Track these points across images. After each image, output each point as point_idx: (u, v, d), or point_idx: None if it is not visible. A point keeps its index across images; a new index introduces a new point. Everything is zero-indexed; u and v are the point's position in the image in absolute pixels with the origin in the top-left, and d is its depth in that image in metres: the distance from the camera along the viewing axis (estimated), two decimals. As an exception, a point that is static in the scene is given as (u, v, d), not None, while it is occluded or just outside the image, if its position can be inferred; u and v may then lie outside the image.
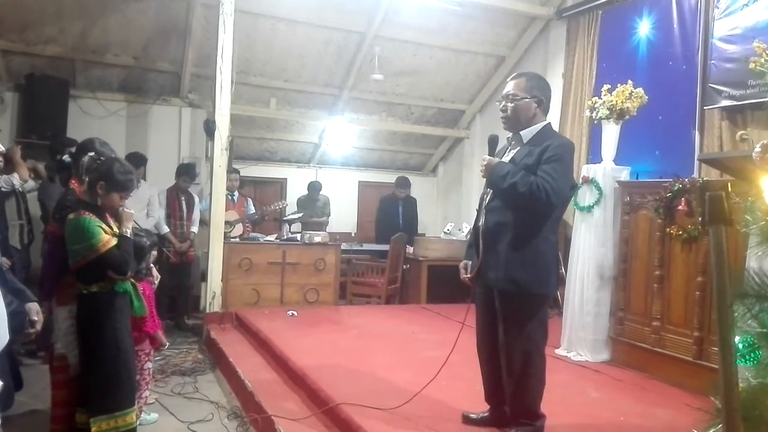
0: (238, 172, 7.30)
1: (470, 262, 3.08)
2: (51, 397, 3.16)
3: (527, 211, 2.83)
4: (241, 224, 6.87)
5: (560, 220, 3.05)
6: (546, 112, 3.04)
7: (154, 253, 3.69)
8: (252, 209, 7.22)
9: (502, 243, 2.87)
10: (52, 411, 3.13)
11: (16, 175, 4.80)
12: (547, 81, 3.13)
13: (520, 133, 2.99)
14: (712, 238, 1.22)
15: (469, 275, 3.08)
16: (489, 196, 2.99)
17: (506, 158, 3.00)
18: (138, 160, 5.95)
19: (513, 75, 3.09)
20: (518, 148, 2.99)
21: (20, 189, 4.85)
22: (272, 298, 6.43)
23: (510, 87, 3.00)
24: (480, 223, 3.02)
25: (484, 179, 2.97)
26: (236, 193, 7.11)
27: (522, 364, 2.88)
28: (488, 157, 2.96)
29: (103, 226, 2.88)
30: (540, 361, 2.94)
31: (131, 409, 2.96)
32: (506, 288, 2.87)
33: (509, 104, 2.98)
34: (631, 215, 4.51)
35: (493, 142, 3.06)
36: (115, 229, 2.97)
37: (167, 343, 3.89)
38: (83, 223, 2.83)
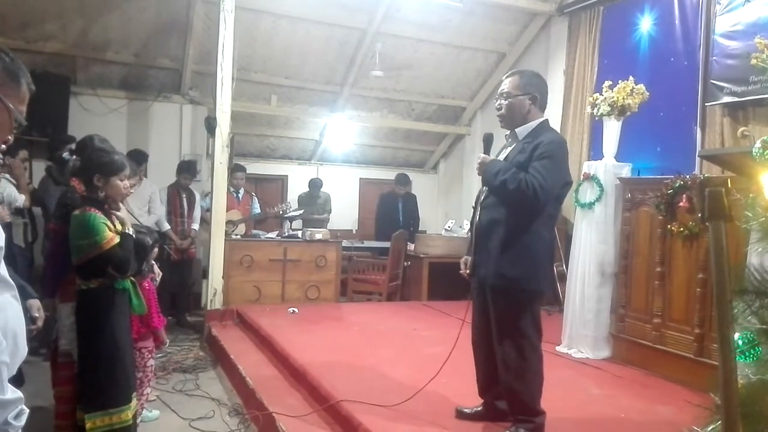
0: (244, 170, 7.22)
1: (470, 258, 3.12)
2: (55, 393, 3.16)
3: (518, 207, 2.86)
4: (244, 224, 6.85)
5: (555, 217, 3.06)
6: (542, 108, 3.05)
7: (155, 250, 3.69)
8: (257, 207, 7.18)
9: (495, 239, 2.91)
10: (57, 407, 3.12)
11: (23, 196, 4.87)
12: (543, 78, 3.14)
13: (516, 130, 3.02)
14: (711, 234, 1.22)
15: (467, 271, 3.12)
16: (484, 194, 3.05)
17: (503, 156, 3.04)
18: (139, 157, 5.94)
19: (508, 73, 3.13)
20: (514, 145, 3.03)
21: (21, 206, 4.89)
22: (273, 295, 6.43)
23: (505, 85, 3.04)
24: (475, 220, 3.08)
25: (479, 177, 3.03)
26: (241, 191, 7.09)
27: (516, 360, 2.91)
28: (483, 155, 3.02)
29: (108, 223, 2.88)
30: (535, 356, 2.96)
31: (126, 406, 2.94)
32: (496, 283, 2.91)
33: (503, 102, 3.01)
34: (632, 212, 4.51)
35: (487, 140, 3.10)
36: (119, 227, 2.96)
37: (168, 341, 3.89)
38: (89, 219, 2.82)
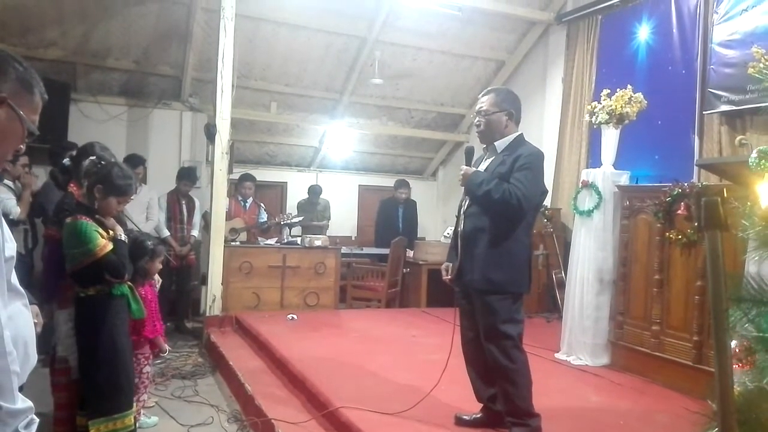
0: (254, 180, 7.18)
1: (451, 264, 3.24)
2: (53, 399, 3.16)
3: (501, 215, 3.00)
4: (246, 232, 6.84)
5: (533, 224, 3.24)
6: (517, 123, 3.21)
7: (160, 259, 3.68)
8: (264, 216, 7.17)
9: (479, 246, 3.04)
10: (55, 414, 3.13)
11: (18, 209, 4.84)
12: (516, 94, 3.29)
13: (495, 143, 3.17)
14: (707, 243, 1.23)
15: (450, 277, 3.23)
16: (467, 203, 3.18)
17: (482, 167, 3.19)
18: (136, 160, 5.94)
19: (484, 92, 3.26)
20: (493, 157, 3.18)
21: (15, 219, 4.85)
22: (272, 302, 6.43)
23: (482, 103, 3.19)
24: (459, 228, 3.20)
25: (462, 187, 3.16)
26: (249, 200, 7.08)
27: (505, 362, 2.98)
28: (465, 167, 3.17)
29: (100, 230, 2.89)
30: (520, 355, 3.04)
31: (129, 411, 2.96)
32: (482, 287, 3.02)
33: (482, 119, 3.16)
34: (630, 219, 4.52)
35: (469, 153, 3.26)
36: (111, 233, 2.97)
37: (168, 349, 3.88)
38: (80, 227, 2.83)
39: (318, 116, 8.51)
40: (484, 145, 3.26)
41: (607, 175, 4.68)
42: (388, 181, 9.14)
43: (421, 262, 7.18)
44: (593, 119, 4.72)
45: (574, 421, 3.40)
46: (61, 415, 3.10)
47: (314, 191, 8.35)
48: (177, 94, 7.74)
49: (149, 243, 3.51)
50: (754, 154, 1.46)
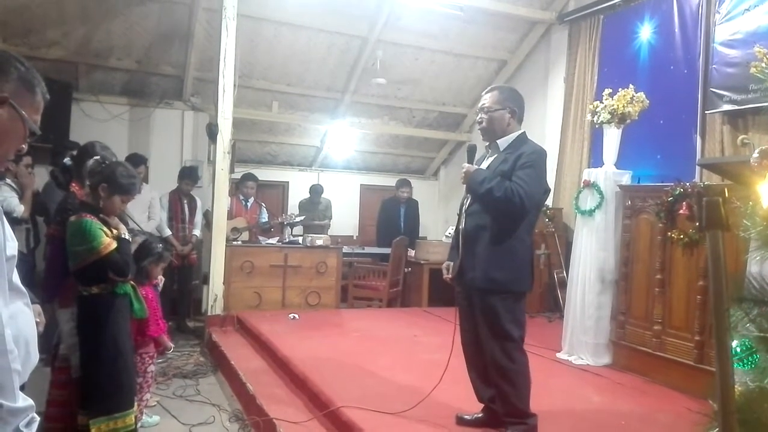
0: (256, 180, 7.19)
1: (452, 263, 3.23)
2: (48, 396, 3.14)
3: (503, 214, 2.99)
4: (248, 231, 6.85)
5: (535, 223, 3.23)
6: (520, 121, 3.21)
7: (163, 262, 3.69)
8: (265, 216, 7.18)
9: (481, 244, 3.03)
10: (47, 409, 3.10)
11: (22, 207, 4.85)
12: (520, 92, 3.29)
13: (497, 141, 3.17)
14: (708, 243, 1.23)
15: (450, 275, 3.22)
16: (468, 201, 3.17)
17: (484, 165, 3.18)
18: (138, 160, 5.94)
19: (488, 89, 3.27)
20: (495, 155, 3.17)
21: (19, 217, 4.86)
22: (274, 301, 6.44)
23: (485, 100, 3.19)
24: (461, 227, 3.19)
25: (464, 186, 3.16)
26: (251, 200, 7.09)
27: (504, 362, 2.98)
28: (467, 165, 3.16)
29: (104, 229, 2.90)
30: (521, 356, 3.03)
31: (131, 410, 2.97)
32: (484, 286, 3.00)
33: (485, 116, 3.16)
34: (632, 219, 4.51)
35: (471, 150, 3.27)
36: (115, 232, 2.98)
37: (172, 346, 3.90)
38: (85, 225, 2.84)
39: (320, 116, 8.52)
40: (487, 143, 3.25)
41: (609, 175, 4.68)
42: (390, 181, 9.14)
43: (422, 262, 7.19)
44: (595, 119, 4.72)
45: (575, 421, 3.40)
46: (54, 411, 3.08)
47: (316, 191, 8.35)
48: (179, 93, 7.75)
49: (158, 247, 3.53)
50: (755, 154, 1.46)
